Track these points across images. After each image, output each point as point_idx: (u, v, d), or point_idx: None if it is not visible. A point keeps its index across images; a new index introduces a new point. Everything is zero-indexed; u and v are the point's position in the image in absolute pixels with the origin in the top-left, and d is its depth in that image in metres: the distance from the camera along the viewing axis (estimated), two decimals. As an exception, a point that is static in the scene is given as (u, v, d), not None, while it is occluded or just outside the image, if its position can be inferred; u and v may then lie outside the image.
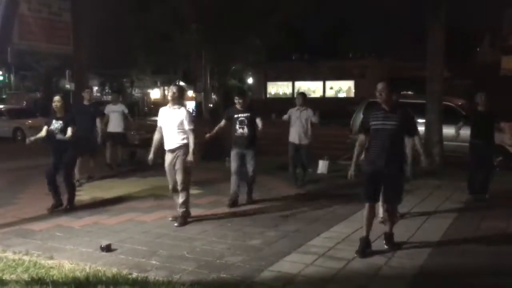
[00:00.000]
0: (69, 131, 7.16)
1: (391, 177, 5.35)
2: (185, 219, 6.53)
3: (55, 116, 7.35)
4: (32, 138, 7.29)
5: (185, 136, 6.50)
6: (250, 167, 7.74)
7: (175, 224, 6.44)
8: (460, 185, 8.66)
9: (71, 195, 7.41)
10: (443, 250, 5.52)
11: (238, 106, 7.68)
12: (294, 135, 9.31)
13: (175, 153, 6.51)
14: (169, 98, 6.64)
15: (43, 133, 7.38)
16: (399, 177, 5.44)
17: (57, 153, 7.33)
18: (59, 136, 7.24)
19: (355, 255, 5.28)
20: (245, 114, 7.63)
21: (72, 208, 7.32)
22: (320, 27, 37.01)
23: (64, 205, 7.33)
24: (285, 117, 9.49)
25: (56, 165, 7.34)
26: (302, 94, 9.84)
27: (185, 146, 6.49)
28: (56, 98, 7.43)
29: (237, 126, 7.63)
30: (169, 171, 6.63)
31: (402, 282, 4.58)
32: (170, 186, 6.70)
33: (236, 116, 7.67)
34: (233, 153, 7.75)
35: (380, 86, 5.32)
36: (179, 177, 6.52)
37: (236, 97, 7.77)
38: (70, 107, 7.92)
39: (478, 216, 7.04)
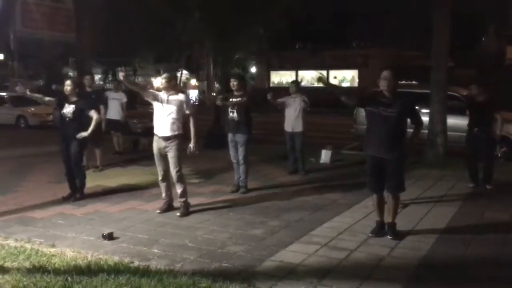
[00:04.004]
0: (94, 114, 7.19)
1: (392, 165, 5.36)
2: (187, 209, 6.50)
3: (68, 100, 7.31)
4: (30, 93, 7.65)
5: (180, 125, 6.42)
6: (240, 154, 7.71)
7: (178, 214, 6.41)
8: (463, 175, 8.61)
9: (81, 183, 7.37)
10: (446, 240, 5.50)
11: (233, 89, 7.71)
12: (288, 123, 9.36)
13: (168, 142, 6.38)
14: (161, 87, 6.51)
15: (45, 99, 7.57)
16: (400, 164, 5.44)
17: (65, 139, 7.30)
18: (70, 117, 7.20)
19: (370, 234, 5.53)
20: (238, 99, 7.64)
21: (83, 197, 7.27)
22: (323, 16, 36.64)
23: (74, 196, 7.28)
24: (280, 100, 9.44)
25: (65, 153, 7.32)
26: (295, 82, 9.89)
27: (179, 136, 6.42)
28: (67, 82, 7.43)
29: (229, 110, 7.69)
30: (158, 159, 6.51)
31: (405, 273, 4.57)
32: (160, 175, 6.57)
33: (230, 99, 7.74)
34: (229, 140, 7.82)
35: (385, 73, 5.36)
36: (173, 167, 6.41)
37: (232, 79, 7.79)
38: (83, 91, 7.89)
39: (481, 207, 7.01)
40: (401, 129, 5.42)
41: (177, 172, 6.43)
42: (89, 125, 7.19)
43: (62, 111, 7.27)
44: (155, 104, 6.48)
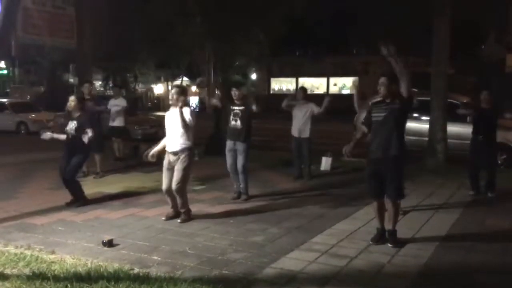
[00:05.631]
0: (89, 132, 7.07)
1: (390, 171, 5.35)
2: (188, 216, 6.47)
3: (71, 117, 7.32)
4: (49, 136, 7.27)
5: (186, 139, 6.36)
6: (239, 163, 7.67)
7: (178, 221, 6.39)
8: (464, 182, 8.61)
9: (78, 193, 7.31)
10: (447, 247, 5.48)
11: (234, 98, 7.72)
12: (295, 129, 9.40)
13: (177, 156, 6.34)
14: (170, 102, 6.50)
15: (62, 137, 7.30)
16: (398, 171, 5.42)
17: (68, 153, 7.26)
18: (73, 133, 7.14)
19: (370, 241, 5.50)
20: (240, 108, 7.66)
21: (86, 203, 7.25)
22: (324, 23, 36.81)
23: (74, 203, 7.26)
24: (292, 102, 9.43)
25: (62, 168, 7.27)
26: (302, 88, 9.93)
27: (188, 149, 6.38)
28: (71, 98, 7.44)
29: (231, 118, 7.70)
30: (166, 173, 6.42)
31: (405, 281, 4.55)
32: (164, 187, 6.46)
33: (231, 107, 7.75)
34: (227, 148, 7.78)
35: (381, 80, 5.41)
36: (176, 176, 6.30)
37: (233, 89, 7.80)
38: (85, 107, 7.81)
39: (482, 214, 7.00)
40: (399, 132, 5.40)
41: (177, 184, 6.30)
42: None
43: (66, 129, 7.26)
44: (166, 119, 6.55)
